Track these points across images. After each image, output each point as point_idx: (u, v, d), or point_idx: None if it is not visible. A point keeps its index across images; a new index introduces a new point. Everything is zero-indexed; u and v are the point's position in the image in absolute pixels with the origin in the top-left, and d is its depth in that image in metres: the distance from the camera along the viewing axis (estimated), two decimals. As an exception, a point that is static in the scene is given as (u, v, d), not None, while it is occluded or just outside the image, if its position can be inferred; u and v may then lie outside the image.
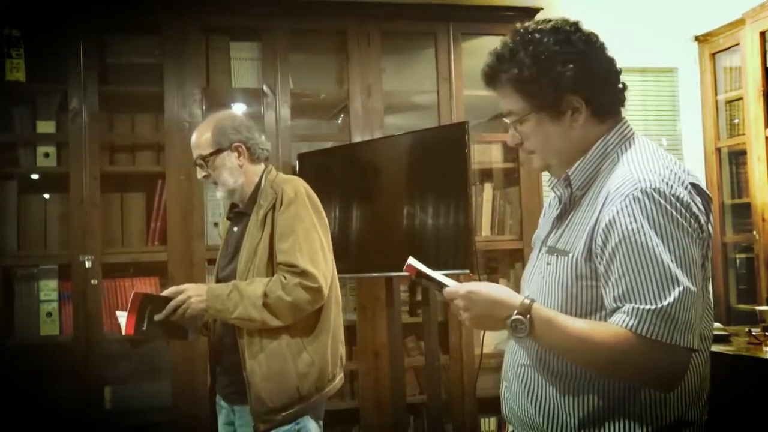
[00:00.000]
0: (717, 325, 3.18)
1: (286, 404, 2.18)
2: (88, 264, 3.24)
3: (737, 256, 4.17)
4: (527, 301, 1.37)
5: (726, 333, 2.95)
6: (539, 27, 1.46)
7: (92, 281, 3.24)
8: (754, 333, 2.85)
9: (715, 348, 2.70)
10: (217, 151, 2.31)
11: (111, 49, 3.44)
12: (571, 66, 1.41)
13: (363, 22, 3.58)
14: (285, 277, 2.16)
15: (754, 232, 3.89)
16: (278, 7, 3.49)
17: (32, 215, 3.35)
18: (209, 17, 3.46)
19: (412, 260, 1.60)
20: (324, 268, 2.21)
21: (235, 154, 2.32)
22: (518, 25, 1.49)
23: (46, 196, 3.40)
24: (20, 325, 3.28)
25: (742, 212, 4.08)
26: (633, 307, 1.29)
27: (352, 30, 3.58)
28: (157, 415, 3.34)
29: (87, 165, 3.28)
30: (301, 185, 2.28)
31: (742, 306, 4.06)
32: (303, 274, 2.15)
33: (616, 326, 1.31)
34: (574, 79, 1.42)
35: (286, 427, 2.20)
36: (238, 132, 2.33)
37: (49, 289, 3.29)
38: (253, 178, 2.35)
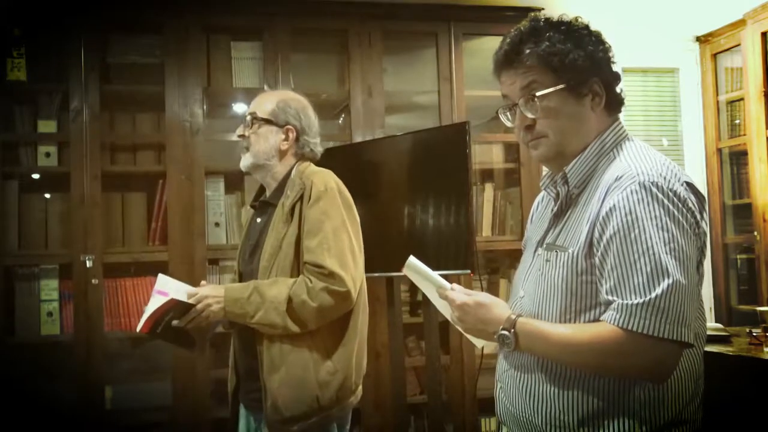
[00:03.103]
0: (718, 325, 3.18)
1: (304, 413, 2.03)
2: (88, 263, 3.24)
3: (738, 256, 4.17)
4: (513, 317, 1.44)
5: (727, 333, 2.95)
6: (561, 17, 1.50)
7: (93, 281, 3.24)
8: (754, 333, 2.85)
9: (715, 348, 2.72)
10: (269, 122, 2.20)
11: (112, 49, 3.45)
12: (602, 48, 1.46)
13: (364, 21, 3.59)
14: (311, 280, 2.01)
15: (755, 233, 3.88)
16: (279, 7, 3.49)
17: (33, 215, 3.35)
18: (210, 17, 3.46)
19: (412, 259, 1.62)
20: (353, 270, 2.07)
21: (283, 135, 2.21)
22: (534, 14, 1.52)
23: (47, 195, 3.40)
24: (21, 324, 3.28)
25: (743, 213, 4.08)
26: (621, 303, 1.31)
27: (353, 30, 3.58)
28: (157, 415, 3.34)
29: (88, 164, 3.29)
30: (332, 179, 2.14)
31: (742, 306, 4.06)
32: (330, 276, 2.01)
33: (604, 324, 1.33)
34: (602, 62, 1.46)
35: None
36: (298, 119, 2.23)
37: (49, 288, 3.29)
38: (287, 167, 2.22)
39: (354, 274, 2.08)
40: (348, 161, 3.39)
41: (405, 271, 1.63)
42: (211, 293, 2.07)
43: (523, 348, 1.42)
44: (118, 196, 3.44)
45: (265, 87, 3.48)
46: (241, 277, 2.26)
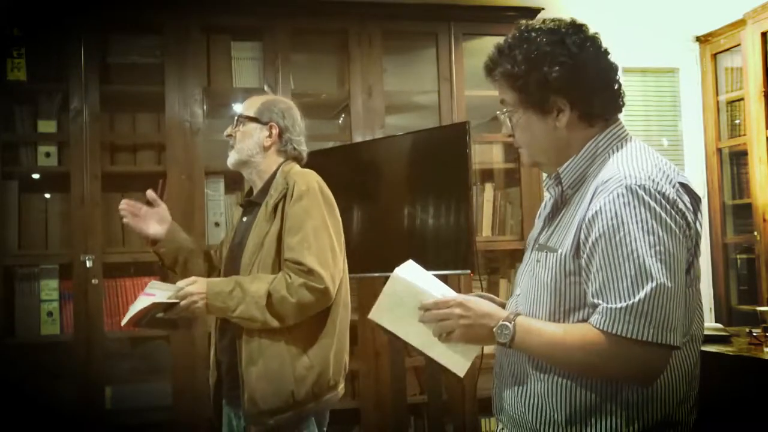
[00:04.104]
0: (718, 325, 3.18)
1: (279, 407, 2.09)
2: (89, 263, 3.24)
3: (738, 256, 4.17)
4: (512, 315, 1.45)
5: (727, 334, 2.94)
6: (539, 26, 1.48)
7: (93, 281, 3.24)
8: (754, 333, 2.85)
9: (715, 348, 2.71)
10: (254, 119, 2.29)
11: (112, 49, 3.45)
12: (557, 68, 1.43)
13: (364, 22, 3.59)
14: (290, 276, 2.07)
15: (755, 233, 3.88)
16: (279, 7, 3.49)
17: (33, 215, 3.35)
18: (210, 17, 3.46)
19: (406, 267, 1.60)
20: (332, 268, 2.12)
21: (266, 132, 2.29)
22: (523, 22, 1.51)
23: (47, 195, 3.41)
24: (21, 324, 3.28)
25: (743, 213, 4.08)
26: (605, 307, 1.32)
27: (353, 30, 3.58)
28: (157, 415, 3.33)
29: (88, 164, 3.29)
30: (315, 180, 2.21)
31: (743, 306, 4.06)
32: (309, 273, 2.07)
33: (589, 326, 1.34)
34: (560, 81, 1.43)
35: None
36: (281, 117, 2.31)
37: (49, 288, 3.29)
38: (272, 166, 2.29)
39: (333, 272, 2.13)
40: (348, 161, 3.39)
41: (373, 316, 1.56)
42: (196, 290, 2.11)
43: (517, 343, 1.42)
44: (118, 196, 3.41)
45: (266, 87, 3.48)
46: (226, 274, 2.30)
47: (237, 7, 3.45)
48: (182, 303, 2.09)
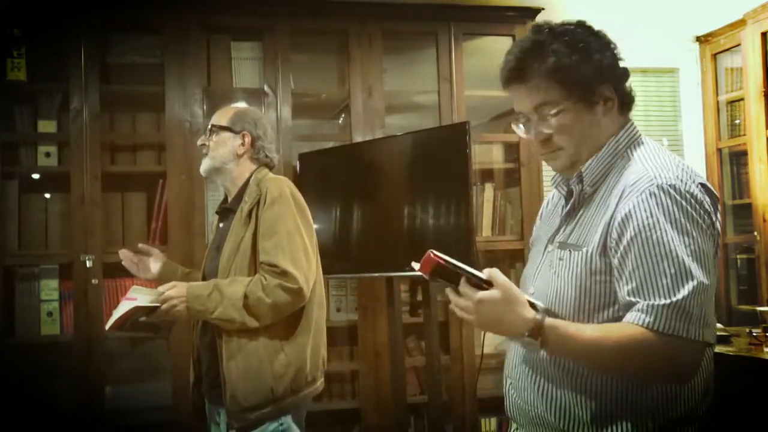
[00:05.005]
0: (718, 325, 3.18)
1: (259, 404, 2.19)
2: (89, 263, 3.24)
3: (738, 256, 4.17)
4: (539, 317, 1.33)
5: (727, 334, 2.95)
6: (563, 23, 1.49)
7: (93, 281, 3.24)
8: (754, 334, 2.85)
9: (715, 348, 2.72)
10: (227, 129, 2.39)
11: (112, 49, 3.45)
12: (608, 54, 1.47)
13: (364, 22, 3.58)
14: (266, 278, 2.17)
15: (755, 233, 3.88)
16: (280, 7, 3.49)
17: (33, 215, 3.35)
18: (210, 17, 3.46)
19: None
20: (306, 269, 2.22)
21: (240, 141, 2.39)
22: (537, 22, 1.52)
23: (47, 195, 3.40)
24: (21, 324, 3.28)
25: (743, 213, 4.08)
26: (647, 304, 1.31)
27: (353, 30, 3.58)
28: (157, 414, 3.33)
29: (88, 164, 3.29)
30: (287, 186, 2.31)
31: (742, 307, 4.05)
32: (284, 274, 2.16)
33: (630, 325, 1.32)
34: (610, 68, 1.46)
35: (273, 426, 2.21)
36: (254, 126, 2.42)
37: (49, 288, 3.29)
38: (245, 173, 2.40)
39: (306, 273, 2.23)
40: (348, 161, 3.39)
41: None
42: (176, 294, 2.20)
43: (551, 351, 1.37)
44: (118, 196, 3.44)
45: (265, 87, 3.48)
46: (204, 278, 2.40)
47: (237, 7, 3.45)
48: (163, 307, 2.18)
